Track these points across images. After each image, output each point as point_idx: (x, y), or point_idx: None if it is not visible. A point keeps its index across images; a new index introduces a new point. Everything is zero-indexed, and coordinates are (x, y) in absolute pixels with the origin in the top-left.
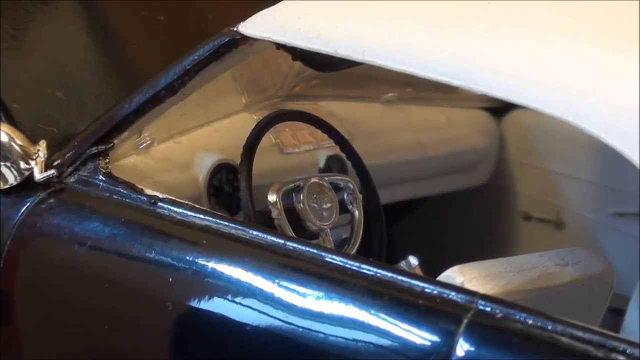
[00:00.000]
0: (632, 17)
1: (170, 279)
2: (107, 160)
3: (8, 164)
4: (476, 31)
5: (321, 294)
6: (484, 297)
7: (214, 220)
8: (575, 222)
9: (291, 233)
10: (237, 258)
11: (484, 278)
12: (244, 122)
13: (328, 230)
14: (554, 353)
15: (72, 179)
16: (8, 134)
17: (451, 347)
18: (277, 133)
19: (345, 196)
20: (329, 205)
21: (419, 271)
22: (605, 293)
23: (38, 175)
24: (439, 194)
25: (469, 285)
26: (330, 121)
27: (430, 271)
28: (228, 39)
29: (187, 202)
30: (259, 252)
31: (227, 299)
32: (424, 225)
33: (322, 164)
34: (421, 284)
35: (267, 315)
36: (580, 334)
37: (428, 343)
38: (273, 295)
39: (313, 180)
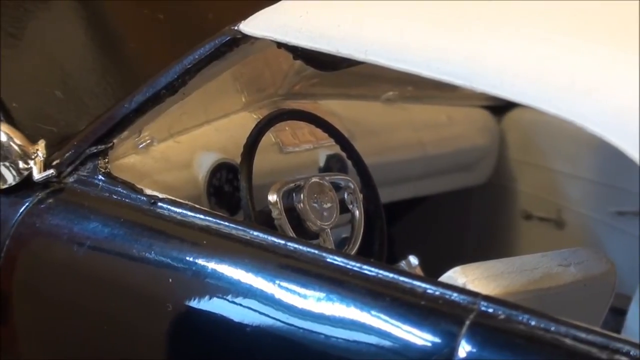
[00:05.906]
0: (634, 16)
1: (170, 280)
2: (106, 159)
3: (7, 163)
4: (479, 30)
5: (322, 294)
6: (487, 298)
7: (214, 220)
8: (576, 221)
9: (291, 233)
10: (238, 258)
11: (486, 279)
12: (244, 122)
13: (328, 230)
14: (557, 355)
15: (71, 179)
16: (7, 134)
17: (453, 349)
18: (277, 132)
19: (345, 196)
20: (329, 204)
21: (419, 271)
22: (608, 293)
23: (37, 175)
24: (439, 193)
25: (471, 286)
26: (330, 120)
27: (430, 270)
28: (229, 38)
29: (186, 202)
30: (259, 252)
31: (227, 300)
32: (424, 224)
33: (322, 163)
34: (423, 285)
35: (268, 316)
36: (583, 335)
37: (430, 344)
38: (273, 296)
39: (313, 179)
